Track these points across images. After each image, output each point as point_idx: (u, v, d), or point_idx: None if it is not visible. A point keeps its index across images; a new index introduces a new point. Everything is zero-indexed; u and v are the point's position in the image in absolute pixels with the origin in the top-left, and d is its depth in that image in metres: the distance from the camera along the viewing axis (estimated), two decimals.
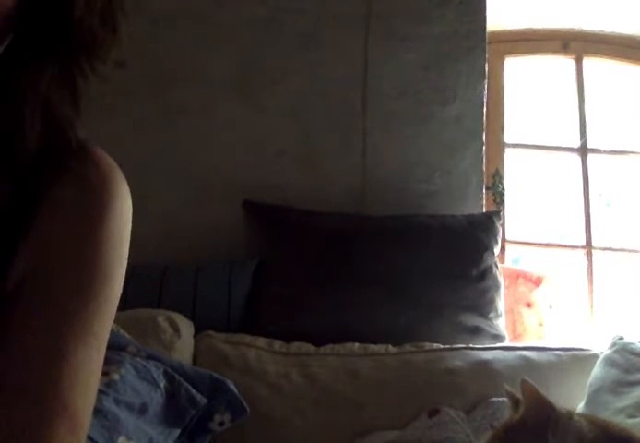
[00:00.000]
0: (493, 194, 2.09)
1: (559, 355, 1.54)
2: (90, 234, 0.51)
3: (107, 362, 1.12)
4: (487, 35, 1.95)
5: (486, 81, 1.95)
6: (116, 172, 0.54)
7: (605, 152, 2.22)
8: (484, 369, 1.50)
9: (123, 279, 0.53)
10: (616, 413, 1.28)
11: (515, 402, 0.99)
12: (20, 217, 0.49)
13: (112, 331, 1.32)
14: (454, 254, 1.73)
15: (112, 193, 0.53)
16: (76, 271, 0.49)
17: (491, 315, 1.71)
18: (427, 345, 1.58)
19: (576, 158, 2.20)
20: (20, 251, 0.48)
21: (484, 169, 1.95)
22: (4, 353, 0.45)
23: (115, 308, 0.52)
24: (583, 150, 2.20)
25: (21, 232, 0.49)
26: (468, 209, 1.89)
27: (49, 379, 0.45)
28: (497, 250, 1.81)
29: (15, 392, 0.44)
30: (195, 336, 1.56)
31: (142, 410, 1.07)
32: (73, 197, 0.51)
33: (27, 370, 0.45)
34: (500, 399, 1.41)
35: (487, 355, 1.54)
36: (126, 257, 0.54)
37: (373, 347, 1.57)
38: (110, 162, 0.54)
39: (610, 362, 1.44)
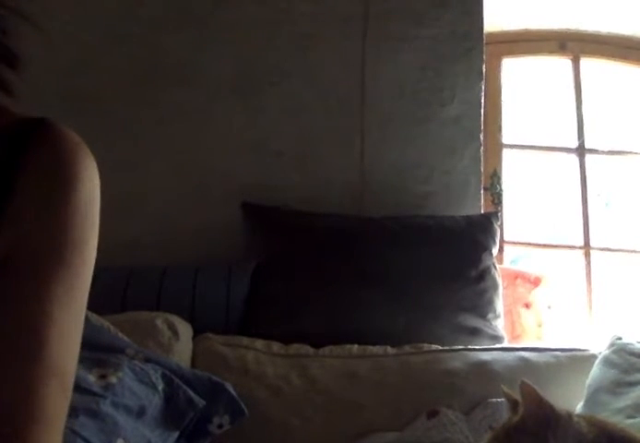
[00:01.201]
0: (491, 194, 2.09)
1: (557, 356, 1.54)
2: (64, 204, 0.53)
3: (105, 364, 1.12)
4: (484, 36, 1.95)
5: (484, 82, 1.95)
6: (82, 145, 0.57)
7: (603, 153, 2.22)
8: (483, 370, 1.50)
9: (96, 243, 0.56)
10: (615, 413, 1.28)
11: (514, 404, 0.99)
12: None
13: (110, 334, 1.31)
14: (452, 255, 1.73)
15: (81, 163, 0.55)
16: (52, 240, 0.52)
17: (490, 315, 1.71)
18: (426, 346, 1.58)
19: (574, 158, 2.21)
20: (1, 227, 0.51)
21: (482, 170, 1.95)
22: None
23: (92, 271, 0.55)
24: (581, 151, 2.20)
25: (1, 208, 0.51)
26: (467, 209, 1.89)
27: (39, 343, 0.48)
28: (495, 251, 1.81)
29: (9, 355, 0.47)
30: (193, 338, 1.56)
31: (140, 413, 1.07)
32: (42, 174, 0.53)
33: (17, 335, 0.48)
34: (499, 399, 1.41)
35: (486, 356, 1.54)
36: (97, 223, 0.56)
37: (371, 348, 1.57)
38: (74, 136, 0.57)
39: (608, 362, 1.44)
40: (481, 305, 1.71)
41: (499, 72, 2.21)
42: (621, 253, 2.19)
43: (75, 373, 0.51)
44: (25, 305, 0.49)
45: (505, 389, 1.02)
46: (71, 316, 0.51)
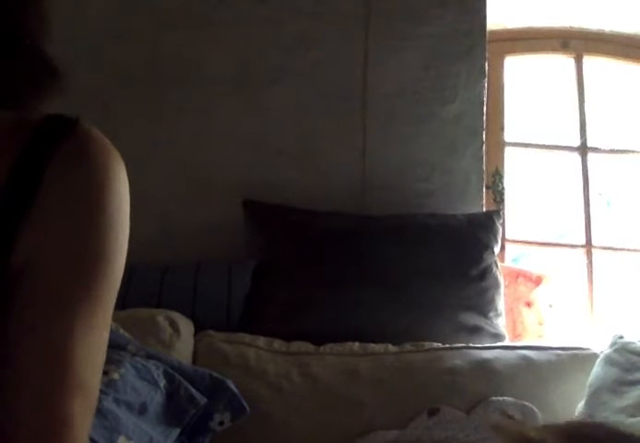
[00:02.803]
0: (493, 193, 2.09)
1: (559, 355, 1.54)
2: (91, 218, 0.52)
3: (107, 361, 1.12)
4: (487, 34, 1.95)
5: (486, 80, 1.95)
6: (115, 153, 0.55)
7: (605, 151, 2.22)
8: (484, 368, 1.50)
9: (124, 259, 0.54)
10: (616, 412, 1.28)
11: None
12: (21, 193, 0.50)
13: (111, 331, 1.32)
14: (454, 253, 1.73)
15: (112, 175, 0.53)
16: (78, 256, 0.51)
17: (491, 314, 1.71)
18: (427, 344, 1.58)
19: (576, 157, 2.20)
20: (23, 231, 0.49)
21: (484, 168, 1.95)
22: (17, 339, 0.48)
23: (117, 288, 0.54)
24: (583, 149, 2.19)
25: (20, 213, 0.50)
26: (468, 208, 1.89)
27: (63, 360, 0.48)
28: (497, 249, 1.81)
29: (36, 377, 0.47)
30: (194, 335, 1.56)
31: (142, 409, 1.07)
32: (74, 179, 0.52)
33: (41, 354, 0.48)
34: (500, 398, 1.41)
35: (487, 355, 1.54)
36: (127, 239, 0.55)
37: (372, 346, 1.57)
38: (108, 144, 0.55)
39: (609, 361, 1.44)
40: (483, 304, 1.71)
41: (501, 70, 2.20)
42: (622, 252, 2.19)
43: (99, 386, 0.51)
44: (49, 325, 0.48)
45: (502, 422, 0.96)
46: (95, 334, 0.50)
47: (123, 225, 0.54)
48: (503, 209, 2.07)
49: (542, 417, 1.39)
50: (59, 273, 0.50)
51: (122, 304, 1.57)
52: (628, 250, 2.19)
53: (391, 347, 1.57)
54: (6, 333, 0.48)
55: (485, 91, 1.94)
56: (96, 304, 0.51)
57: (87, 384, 0.49)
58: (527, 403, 1.40)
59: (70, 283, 0.50)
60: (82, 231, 0.51)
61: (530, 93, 2.32)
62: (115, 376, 1.08)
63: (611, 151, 2.23)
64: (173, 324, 1.49)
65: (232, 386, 1.23)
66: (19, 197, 0.50)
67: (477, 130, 1.93)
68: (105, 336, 0.52)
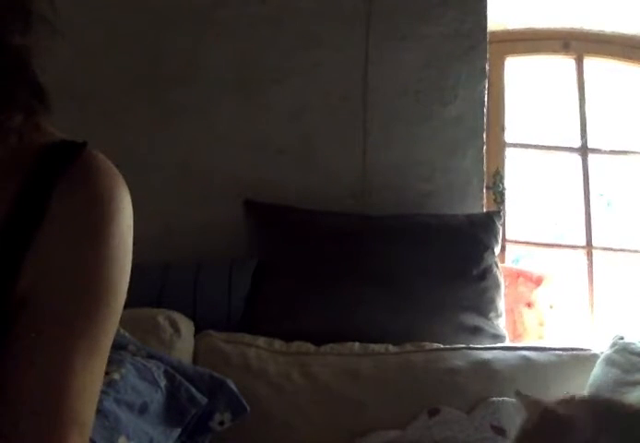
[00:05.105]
0: (494, 193, 2.09)
1: (559, 355, 1.54)
2: (95, 251, 0.51)
3: (108, 361, 1.12)
4: (488, 35, 1.95)
5: (487, 81, 1.95)
6: (120, 180, 0.54)
7: (606, 152, 2.22)
8: (484, 369, 1.50)
9: (126, 290, 0.54)
10: None
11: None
12: (26, 222, 0.49)
13: None
14: (454, 253, 1.73)
15: (116, 204, 0.53)
16: (81, 287, 0.50)
17: (492, 314, 1.71)
18: (427, 345, 1.58)
19: (577, 158, 2.20)
20: (25, 263, 0.49)
21: (485, 168, 1.95)
22: (16, 370, 0.47)
23: (119, 318, 0.53)
24: (583, 150, 2.19)
25: (25, 242, 0.49)
26: (469, 208, 1.89)
27: (60, 394, 0.48)
28: (497, 250, 1.81)
29: (30, 407, 0.47)
30: (195, 335, 1.56)
31: (142, 409, 1.07)
32: (77, 210, 0.51)
33: (40, 387, 0.47)
34: (500, 398, 1.41)
35: (487, 355, 1.54)
36: (129, 268, 0.54)
37: (373, 347, 1.57)
38: (113, 171, 0.54)
39: (610, 362, 1.44)
40: (483, 304, 1.71)
41: (502, 71, 2.20)
42: (622, 253, 2.19)
43: (93, 418, 0.51)
44: (49, 357, 0.48)
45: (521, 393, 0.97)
46: (94, 366, 0.50)
47: (126, 255, 0.53)
48: (504, 209, 2.07)
49: None
50: (60, 306, 0.49)
51: None
52: (628, 251, 2.19)
53: (391, 347, 1.57)
54: (5, 363, 0.47)
55: (486, 92, 1.94)
56: (96, 336, 0.50)
57: (81, 416, 0.49)
58: None
59: (71, 316, 0.49)
60: (85, 263, 0.51)
61: (531, 94, 2.32)
62: (116, 376, 1.08)
63: (612, 152, 2.23)
64: (174, 324, 1.49)
65: (233, 386, 1.23)
66: (24, 226, 0.49)
67: (477, 131, 1.93)
68: (103, 365, 0.52)
